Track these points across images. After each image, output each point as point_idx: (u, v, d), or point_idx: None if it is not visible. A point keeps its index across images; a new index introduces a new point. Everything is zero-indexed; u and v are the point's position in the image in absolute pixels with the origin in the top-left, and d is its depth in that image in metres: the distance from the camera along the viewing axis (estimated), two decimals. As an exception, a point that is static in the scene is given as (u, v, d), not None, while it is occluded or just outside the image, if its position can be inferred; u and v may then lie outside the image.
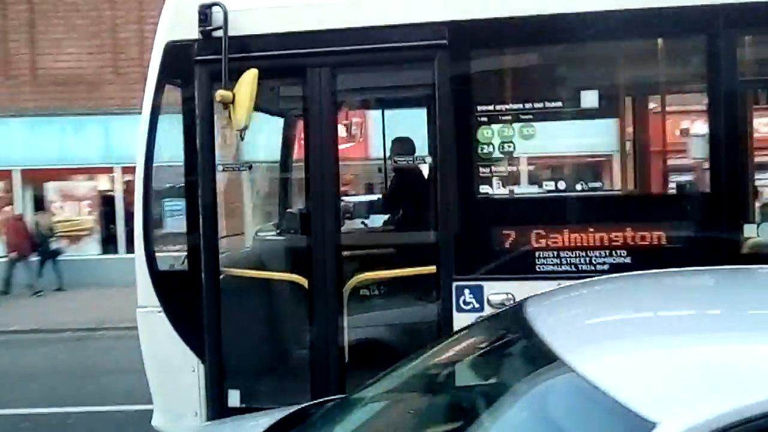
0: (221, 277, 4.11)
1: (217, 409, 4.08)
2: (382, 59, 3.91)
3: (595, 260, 3.65)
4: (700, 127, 4.06)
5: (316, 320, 3.98)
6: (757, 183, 3.98)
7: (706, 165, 3.54)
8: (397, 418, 2.55)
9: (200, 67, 4.01)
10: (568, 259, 3.67)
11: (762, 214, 3.74)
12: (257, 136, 4.67)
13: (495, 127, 3.76)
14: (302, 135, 4.23)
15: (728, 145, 3.50)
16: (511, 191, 3.79)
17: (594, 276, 3.58)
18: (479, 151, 3.77)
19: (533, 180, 3.80)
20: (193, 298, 4.08)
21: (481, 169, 3.78)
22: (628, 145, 4.32)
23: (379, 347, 4.19)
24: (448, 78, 3.76)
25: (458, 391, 2.49)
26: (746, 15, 3.41)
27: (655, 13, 3.54)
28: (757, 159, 3.88)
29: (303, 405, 2.82)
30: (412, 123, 4.86)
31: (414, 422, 2.48)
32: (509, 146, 3.77)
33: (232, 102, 3.78)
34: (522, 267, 3.71)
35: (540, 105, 3.76)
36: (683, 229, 3.59)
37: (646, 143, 4.30)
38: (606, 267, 3.64)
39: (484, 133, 3.77)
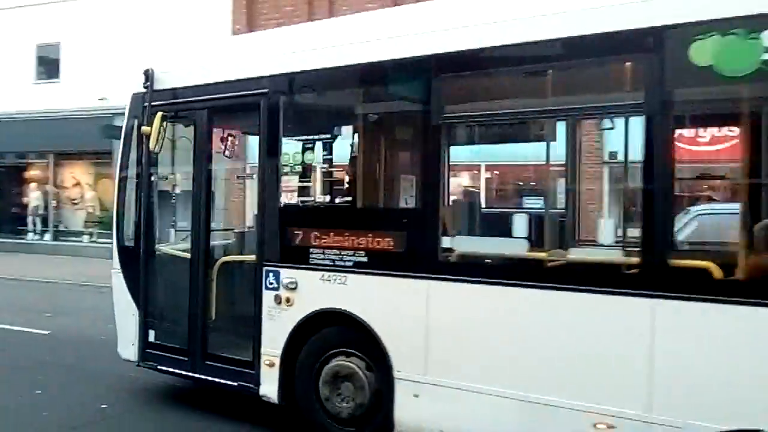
0: (150, 252, 6.01)
1: (142, 342, 5.99)
2: (234, 104, 5.43)
3: (345, 258, 4.74)
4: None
5: (194, 287, 5.66)
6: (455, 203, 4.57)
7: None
8: None
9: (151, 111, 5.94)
10: (325, 255, 4.81)
11: (453, 230, 4.40)
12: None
13: (293, 152, 5.05)
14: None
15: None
16: (299, 202, 5.02)
17: (344, 270, 4.71)
18: (281, 171, 5.09)
19: (315, 194, 4.93)
20: (135, 266, 6.05)
21: (282, 185, 5.10)
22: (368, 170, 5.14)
23: (227, 305, 5.69)
24: (267, 115, 5.15)
25: None
26: None
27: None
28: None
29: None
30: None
31: None
32: (300, 168, 5.02)
33: (149, 134, 5.67)
34: (301, 259, 4.94)
35: (321, 137, 4.95)
36: (404, 237, 4.50)
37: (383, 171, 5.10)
38: (350, 263, 4.71)
39: (285, 157, 5.08)
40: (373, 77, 4.64)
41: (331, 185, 4.92)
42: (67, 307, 11.29)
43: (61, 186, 21.29)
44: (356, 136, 5.00)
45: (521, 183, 4.94)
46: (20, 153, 21.78)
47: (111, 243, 6.41)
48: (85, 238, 20.38)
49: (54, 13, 20.00)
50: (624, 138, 4.34)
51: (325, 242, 4.85)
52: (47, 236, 20.74)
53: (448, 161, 4.39)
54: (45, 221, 21.01)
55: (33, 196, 21.12)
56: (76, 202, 21.08)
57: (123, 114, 6.28)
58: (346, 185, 5.11)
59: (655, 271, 3.61)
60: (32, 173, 21.78)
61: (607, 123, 4.55)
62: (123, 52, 17.49)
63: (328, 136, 4.90)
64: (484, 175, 5.31)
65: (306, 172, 5.00)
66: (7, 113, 20.29)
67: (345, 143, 4.90)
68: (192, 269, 5.69)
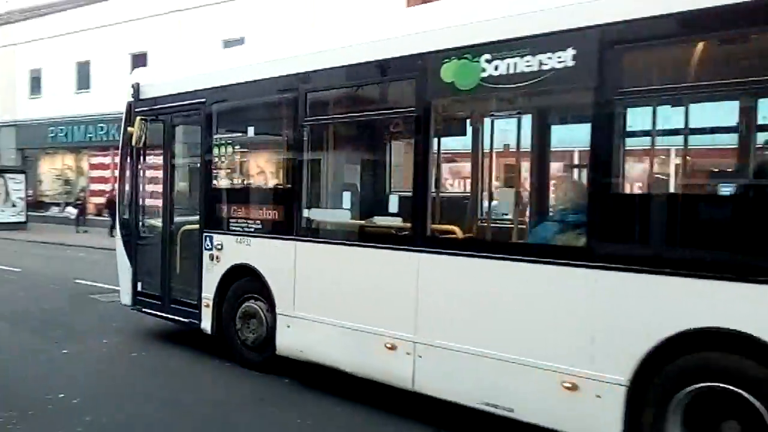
0: (138, 224, 7.90)
1: (134, 291, 7.90)
2: (187, 110, 7.15)
3: (249, 226, 6.35)
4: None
5: (163, 249, 7.48)
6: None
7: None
8: None
9: (135, 116, 7.82)
10: (238, 224, 6.45)
11: (310, 204, 5.88)
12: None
13: (219, 147, 6.71)
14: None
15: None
16: (224, 185, 6.68)
17: (248, 234, 6.32)
18: (213, 161, 6.77)
19: (236, 178, 6.58)
20: (129, 234, 7.97)
21: (213, 172, 6.78)
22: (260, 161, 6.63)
23: (186, 262, 7.38)
24: (205, 119, 6.83)
25: None
26: None
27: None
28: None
29: None
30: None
31: None
32: (226, 159, 6.69)
33: (132, 134, 7.52)
34: (224, 227, 6.61)
35: (234, 136, 6.58)
36: (281, 210, 6.06)
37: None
38: (252, 230, 6.32)
39: (215, 151, 6.75)
40: (257, 91, 6.22)
41: (240, 172, 6.55)
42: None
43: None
44: (253, 135, 6.62)
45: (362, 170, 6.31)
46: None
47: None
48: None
49: (238, 10, 21.86)
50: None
51: (237, 214, 6.52)
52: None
53: (309, 154, 5.88)
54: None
55: None
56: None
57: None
58: (249, 172, 6.75)
59: (417, 233, 4.97)
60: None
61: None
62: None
63: (239, 135, 6.55)
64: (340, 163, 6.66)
65: (227, 162, 6.67)
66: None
67: (248, 141, 6.54)
68: (162, 235, 7.52)
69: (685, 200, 4.12)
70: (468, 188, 5.72)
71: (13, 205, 26.00)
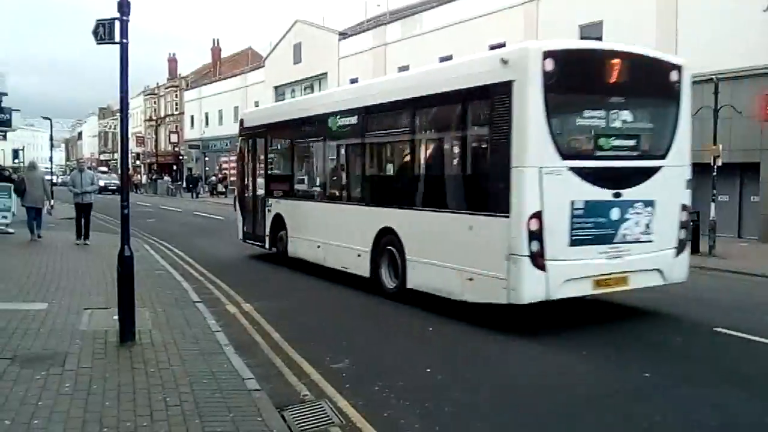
0: (243, 194, 14.89)
1: (242, 231, 14.92)
2: (259, 134, 13.88)
3: (278, 193, 12.91)
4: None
5: (253, 207, 14.35)
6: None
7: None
8: None
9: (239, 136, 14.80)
10: (275, 192, 13.06)
11: (297, 182, 12.19)
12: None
13: (270, 155, 13.38)
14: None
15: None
16: (271, 173, 13.33)
17: (279, 198, 12.96)
18: (267, 160, 13.45)
19: (274, 169, 13.16)
20: (240, 200, 15.02)
21: (268, 166, 13.48)
22: (279, 162, 12.91)
23: (262, 214, 14.08)
24: (264, 141, 13.51)
25: None
26: None
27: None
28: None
29: None
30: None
31: None
32: (271, 160, 13.34)
33: (238, 146, 14.55)
34: (272, 195, 13.25)
35: (275, 149, 13.21)
36: (288, 185, 12.54)
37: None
38: (279, 195, 12.88)
39: (267, 155, 13.42)
40: (281, 126, 12.76)
41: (275, 166, 13.17)
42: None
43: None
44: (279, 148, 13.15)
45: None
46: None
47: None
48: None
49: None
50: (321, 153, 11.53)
51: (275, 188, 13.16)
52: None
53: (296, 157, 12.29)
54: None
55: None
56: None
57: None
58: (278, 166, 13.33)
59: (324, 194, 11.13)
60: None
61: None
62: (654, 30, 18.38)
63: (275, 148, 13.15)
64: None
65: (272, 162, 13.31)
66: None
67: (277, 151, 13.13)
68: (253, 199, 14.38)
69: (376, 179, 9.94)
70: (340, 175, 11.71)
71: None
